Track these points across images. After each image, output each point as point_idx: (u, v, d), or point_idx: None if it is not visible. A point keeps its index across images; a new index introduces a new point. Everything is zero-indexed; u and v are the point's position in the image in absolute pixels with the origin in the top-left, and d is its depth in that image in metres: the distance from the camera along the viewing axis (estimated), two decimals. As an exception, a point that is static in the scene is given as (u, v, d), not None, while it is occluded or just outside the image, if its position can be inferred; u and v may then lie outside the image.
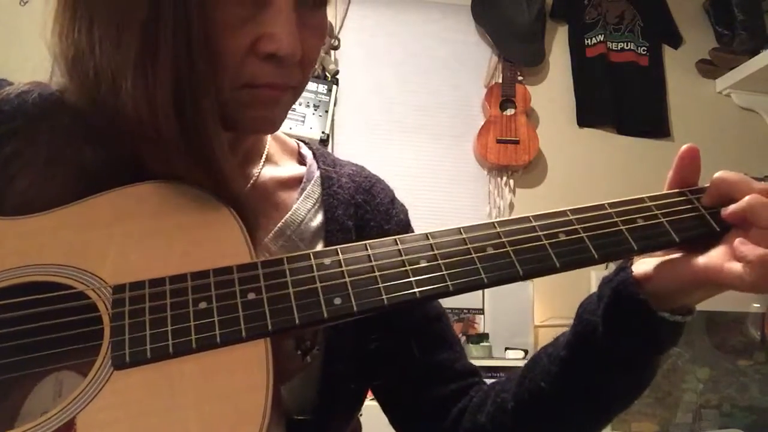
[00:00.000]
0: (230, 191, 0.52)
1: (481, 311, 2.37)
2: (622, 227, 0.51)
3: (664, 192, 0.54)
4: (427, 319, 0.70)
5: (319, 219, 0.66)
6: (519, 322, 2.37)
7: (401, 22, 2.81)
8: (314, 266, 0.48)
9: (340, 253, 0.48)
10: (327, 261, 0.48)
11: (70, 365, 0.46)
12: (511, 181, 2.70)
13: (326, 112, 2.50)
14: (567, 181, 2.72)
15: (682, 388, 2.59)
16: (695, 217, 0.52)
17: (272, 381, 0.42)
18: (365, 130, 2.65)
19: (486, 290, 2.35)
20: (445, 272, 0.48)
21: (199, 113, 0.51)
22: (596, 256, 0.49)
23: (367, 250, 0.49)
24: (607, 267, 2.64)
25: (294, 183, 0.68)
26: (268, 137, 0.69)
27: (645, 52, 2.92)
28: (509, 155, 2.63)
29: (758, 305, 2.70)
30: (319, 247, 0.64)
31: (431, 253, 0.49)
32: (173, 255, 0.48)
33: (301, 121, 2.45)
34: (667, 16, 2.99)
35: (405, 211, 0.74)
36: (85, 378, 0.43)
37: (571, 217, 0.51)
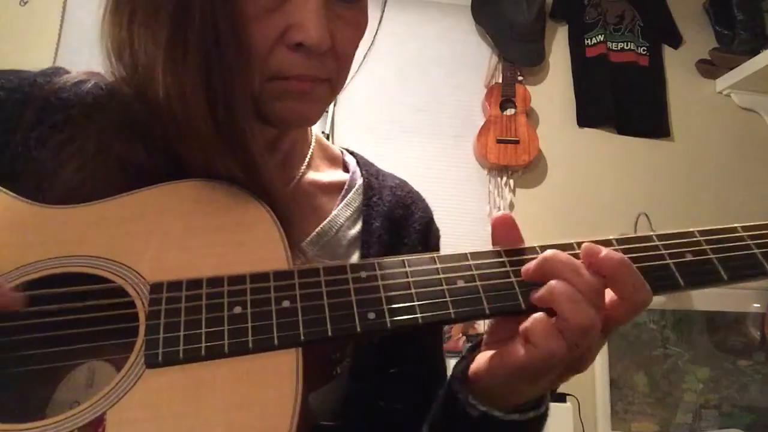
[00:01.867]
0: (267, 188, 0.52)
1: (481, 311, 2.37)
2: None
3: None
4: (434, 348, 0.70)
5: (357, 228, 0.66)
6: (519, 322, 2.37)
7: (401, 22, 2.81)
8: (350, 279, 0.47)
9: (377, 268, 0.48)
10: (363, 275, 0.48)
11: (104, 358, 0.46)
12: (511, 181, 2.70)
13: (326, 112, 2.50)
14: (567, 181, 2.72)
15: (682, 388, 2.59)
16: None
17: (301, 391, 0.42)
18: (365, 130, 2.65)
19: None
20: (482, 294, 0.47)
21: (231, 105, 0.51)
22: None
23: (405, 266, 0.49)
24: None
25: (335, 189, 0.68)
26: (312, 142, 0.69)
27: (645, 52, 2.92)
28: (509, 155, 2.63)
29: (758, 305, 2.70)
30: (355, 256, 0.64)
31: (470, 273, 0.48)
32: (211, 255, 0.48)
33: (301, 121, 2.44)
34: (667, 16, 2.99)
35: (438, 237, 0.73)
36: (117, 369, 0.43)
37: (618, 247, 0.50)
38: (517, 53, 2.77)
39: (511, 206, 2.67)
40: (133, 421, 0.41)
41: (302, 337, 0.44)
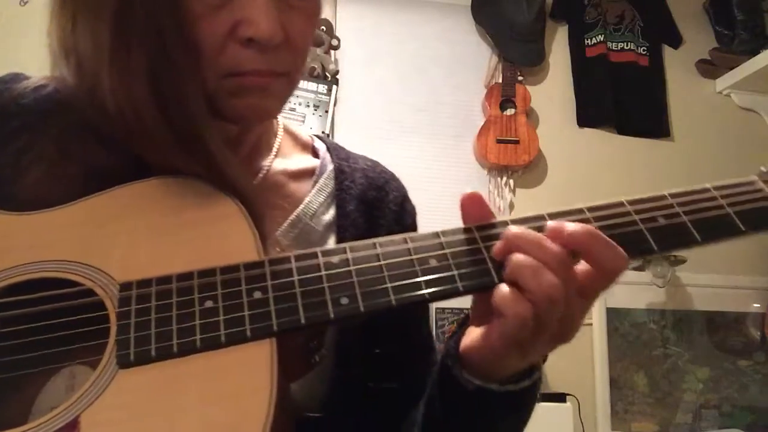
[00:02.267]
0: (232, 183, 0.52)
1: (481, 311, 2.37)
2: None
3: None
4: (417, 326, 0.70)
5: (331, 213, 0.65)
6: (519, 322, 2.37)
7: (401, 22, 2.81)
8: (322, 265, 0.47)
9: (348, 252, 0.48)
10: (335, 259, 0.47)
11: (79, 362, 0.46)
12: (511, 181, 2.70)
13: (326, 112, 2.50)
14: (567, 181, 2.72)
15: (682, 388, 2.59)
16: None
17: (276, 382, 0.42)
18: (365, 130, 2.64)
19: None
20: (455, 272, 0.47)
21: (182, 105, 0.50)
22: None
23: (376, 248, 0.48)
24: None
25: (306, 175, 0.67)
26: (280, 131, 0.69)
27: (645, 52, 2.91)
28: (509, 155, 2.63)
29: (758, 305, 2.70)
30: (331, 241, 0.64)
31: (442, 252, 0.48)
32: (181, 251, 0.48)
33: (301, 121, 2.44)
34: (667, 16, 2.99)
35: (414, 214, 0.73)
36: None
37: (589, 215, 0.50)
38: (517, 53, 2.77)
39: (511, 206, 2.67)
40: (107, 422, 0.41)
41: (275, 328, 0.44)
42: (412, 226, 0.72)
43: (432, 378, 0.55)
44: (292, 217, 0.63)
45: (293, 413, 0.52)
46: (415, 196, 0.76)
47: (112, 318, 0.45)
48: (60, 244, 0.49)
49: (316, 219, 0.64)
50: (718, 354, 2.65)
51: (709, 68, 2.93)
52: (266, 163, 0.65)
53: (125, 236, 0.49)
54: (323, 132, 2.45)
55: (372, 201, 0.68)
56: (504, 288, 0.45)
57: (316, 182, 0.67)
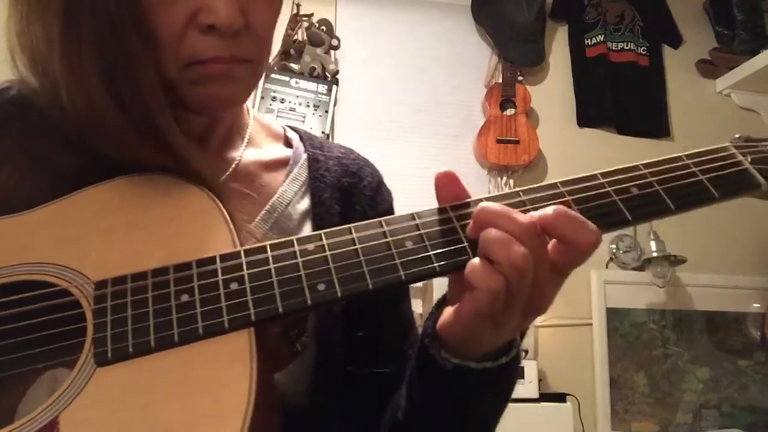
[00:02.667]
0: (200, 176, 0.52)
1: (481, 311, 2.37)
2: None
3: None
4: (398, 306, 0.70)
5: (306, 202, 0.65)
6: (519, 322, 2.37)
7: (401, 22, 2.81)
8: (297, 252, 0.47)
9: (324, 238, 0.47)
10: (311, 247, 0.47)
11: (65, 362, 0.45)
12: (511, 181, 2.70)
13: (326, 112, 2.50)
14: (567, 181, 2.72)
15: (682, 388, 2.59)
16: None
17: (256, 371, 0.42)
18: (365, 130, 2.64)
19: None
20: (431, 253, 0.47)
21: (137, 96, 0.50)
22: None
23: (351, 233, 0.48)
24: (607, 266, 2.64)
25: (280, 165, 0.67)
26: (251, 121, 0.68)
27: (645, 52, 2.91)
28: (509, 155, 2.63)
29: (758, 305, 2.70)
30: (307, 229, 0.63)
31: (417, 233, 0.48)
32: (157, 247, 0.48)
33: (301, 121, 2.45)
34: (667, 16, 2.99)
35: (390, 199, 0.73)
36: None
37: (562, 189, 0.51)
38: (517, 53, 2.77)
39: (511, 206, 2.67)
40: (86, 420, 0.41)
41: (253, 318, 0.44)
42: (389, 211, 0.71)
43: (412, 359, 0.55)
44: (267, 206, 0.62)
45: (278, 403, 0.52)
46: (414, 196, 0.76)
47: (89, 317, 0.45)
48: (34, 246, 0.48)
49: (291, 208, 0.64)
50: (718, 354, 2.65)
51: (709, 68, 2.93)
52: (238, 153, 0.64)
53: (100, 235, 0.49)
54: (323, 132, 2.45)
55: (347, 188, 0.68)
56: (475, 262, 0.45)
57: (290, 172, 0.66)
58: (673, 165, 0.52)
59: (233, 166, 0.63)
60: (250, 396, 0.41)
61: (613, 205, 0.49)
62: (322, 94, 2.50)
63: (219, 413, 0.41)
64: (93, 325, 0.44)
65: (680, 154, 0.53)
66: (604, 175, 0.52)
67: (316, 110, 2.48)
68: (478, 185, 2.69)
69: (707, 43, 2.97)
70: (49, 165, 0.54)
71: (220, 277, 0.45)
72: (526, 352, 2.26)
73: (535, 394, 2.11)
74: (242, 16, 0.51)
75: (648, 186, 0.51)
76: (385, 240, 0.47)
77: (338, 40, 2.63)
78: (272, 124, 0.73)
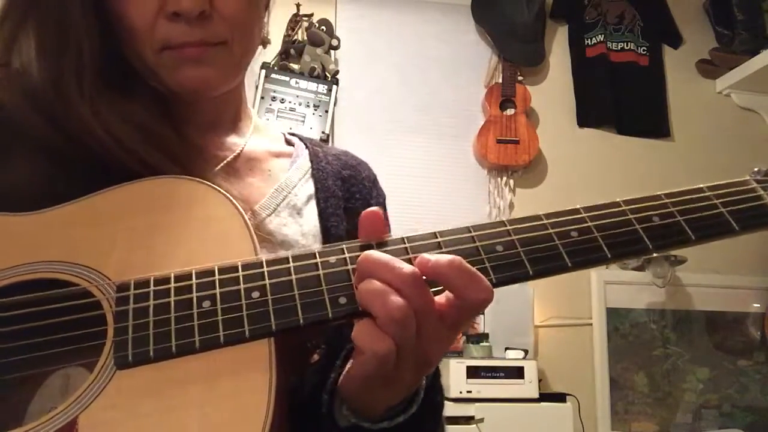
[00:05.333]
0: (147, 169, 0.53)
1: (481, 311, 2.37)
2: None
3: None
4: None
5: (310, 187, 0.67)
6: (519, 322, 2.37)
7: (401, 22, 2.81)
8: (319, 265, 0.47)
9: (345, 252, 0.48)
10: (332, 259, 0.47)
11: (75, 364, 0.45)
12: (511, 181, 2.70)
13: (326, 112, 2.50)
14: (567, 181, 2.72)
15: (682, 388, 2.59)
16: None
17: (275, 381, 0.42)
18: (365, 130, 2.64)
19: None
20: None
21: (62, 84, 0.53)
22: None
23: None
24: (607, 266, 2.64)
25: (284, 156, 0.70)
26: (253, 117, 0.71)
27: (645, 52, 2.92)
28: (509, 155, 2.63)
29: (758, 305, 2.70)
30: (312, 209, 0.65)
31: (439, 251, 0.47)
32: (178, 251, 0.48)
33: (301, 121, 2.45)
34: (667, 16, 2.99)
35: (384, 197, 0.75)
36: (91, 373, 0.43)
37: (584, 215, 0.51)
38: (517, 53, 2.77)
39: (511, 206, 2.67)
40: (106, 422, 0.41)
41: (274, 328, 0.44)
42: (383, 207, 0.73)
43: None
44: (276, 186, 0.64)
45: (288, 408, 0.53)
46: (414, 196, 0.77)
47: (109, 319, 0.45)
48: (55, 244, 0.48)
49: (297, 189, 0.66)
50: (718, 354, 2.65)
51: (709, 68, 2.93)
52: (244, 139, 0.67)
53: (122, 237, 0.49)
54: (323, 132, 2.45)
55: (347, 178, 0.71)
56: (361, 324, 0.43)
57: (293, 162, 0.69)
58: (694, 196, 0.52)
59: (240, 148, 0.65)
60: (269, 406, 0.41)
61: (634, 233, 0.49)
62: (322, 94, 2.50)
63: (238, 422, 0.41)
64: (114, 328, 0.44)
65: (701, 186, 0.52)
66: (627, 202, 0.51)
67: (316, 110, 2.48)
68: (478, 185, 2.69)
69: (707, 43, 2.97)
70: (54, 154, 0.54)
71: (242, 285, 0.46)
72: (526, 351, 2.26)
73: (535, 394, 2.11)
74: (206, 2, 0.54)
75: (670, 216, 0.50)
76: (407, 256, 0.47)
77: (338, 40, 2.63)
78: (272, 126, 0.76)
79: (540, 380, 2.20)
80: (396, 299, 0.42)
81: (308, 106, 2.48)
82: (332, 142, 2.52)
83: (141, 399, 0.42)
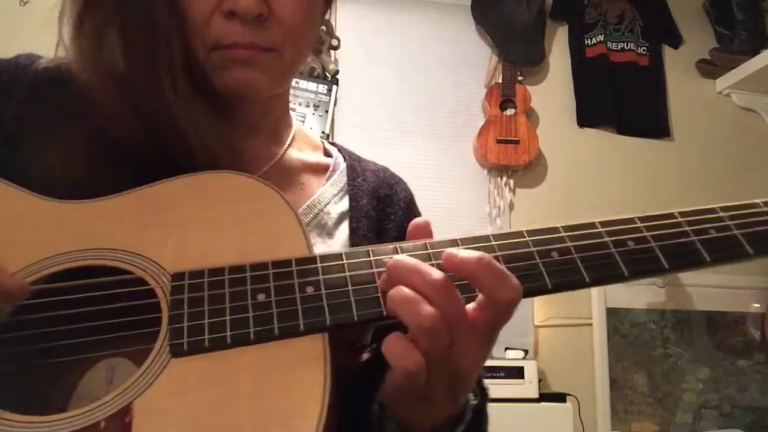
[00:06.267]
0: (211, 164, 0.53)
1: (481, 311, 2.37)
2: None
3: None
4: None
5: (344, 204, 0.66)
6: (519, 322, 2.37)
7: (401, 22, 2.81)
8: (373, 263, 0.47)
9: (399, 251, 0.48)
10: (385, 258, 0.47)
11: (122, 352, 0.46)
12: (511, 181, 2.70)
13: (326, 112, 2.50)
14: (567, 181, 2.72)
15: (682, 388, 2.59)
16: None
17: (330, 376, 0.42)
18: (365, 130, 2.65)
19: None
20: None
21: (152, 76, 0.52)
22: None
23: (427, 249, 0.48)
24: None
25: (320, 170, 0.69)
26: (294, 125, 0.70)
27: (645, 52, 2.92)
28: (509, 155, 2.63)
29: (758, 305, 2.70)
30: (344, 229, 0.65)
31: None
32: (232, 244, 0.49)
33: (301, 121, 2.45)
34: (667, 16, 2.99)
35: (420, 215, 0.73)
36: (137, 366, 0.43)
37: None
38: (517, 53, 2.77)
39: (511, 206, 2.67)
40: (160, 409, 0.41)
41: (328, 323, 0.44)
42: None
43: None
44: (308, 202, 0.63)
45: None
46: (415, 196, 0.77)
47: (164, 307, 0.45)
48: (110, 232, 0.49)
49: (330, 207, 0.65)
50: (718, 354, 2.65)
51: (709, 68, 2.93)
52: (282, 148, 0.66)
53: (176, 228, 0.49)
54: (323, 132, 2.45)
55: (383, 198, 0.70)
56: (390, 338, 0.42)
57: (329, 177, 0.68)
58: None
59: (277, 158, 0.65)
60: (324, 400, 0.41)
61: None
62: (322, 94, 2.50)
63: (292, 415, 0.41)
64: (168, 316, 0.45)
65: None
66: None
67: (316, 110, 2.48)
68: (478, 185, 2.69)
69: (707, 43, 2.97)
70: (92, 143, 0.54)
71: (296, 280, 0.46)
72: (526, 351, 2.26)
73: (535, 394, 2.11)
74: (264, 4, 0.53)
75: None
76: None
77: (338, 40, 2.63)
78: (311, 134, 0.75)
79: (540, 380, 2.20)
80: (426, 308, 0.41)
81: (308, 106, 2.48)
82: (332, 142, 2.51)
83: (195, 388, 0.42)
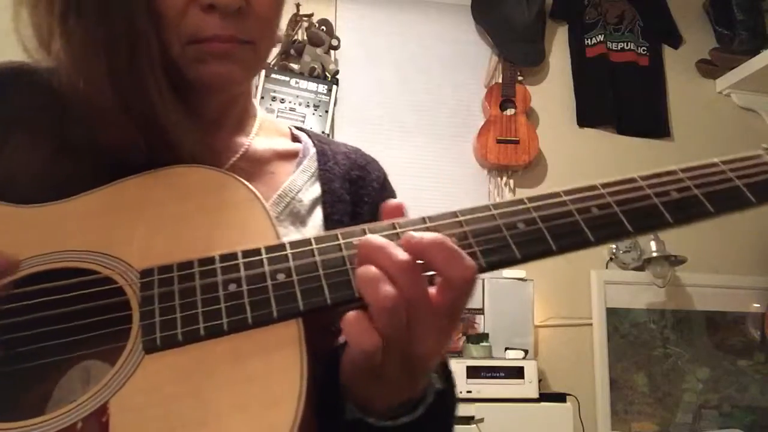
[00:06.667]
0: (194, 160, 0.53)
1: (481, 311, 2.37)
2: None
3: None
4: None
5: (316, 190, 0.66)
6: (519, 322, 2.37)
7: (401, 22, 2.81)
8: (342, 246, 0.47)
9: (368, 232, 0.48)
10: (355, 241, 0.47)
11: (95, 353, 0.46)
12: (511, 181, 2.70)
13: (326, 112, 2.50)
14: (567, 181, 2.68)
15: (682, 388, 2.59)
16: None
17: (306, 360, 0.42)
18: (365, 130, 2.65)
19: (486, 290, 2.35)
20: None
21: (136, 75, 0.51)
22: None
23: (395, 228, 0.48)
24: (607, 266, 2.64)
25: (290, 156, 0.68)
26: (259, 114, 0.69)
27: (645, 52, 2.92)
28: (509, 155, 2.63)
29: (758, 305, 2.70)
30: (317, 215, 0.64)
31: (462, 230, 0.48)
32: (199, 238, 0.48)
33: (301, 121, 2.45)
34: (667, 16, 2.99)
35: (395, 195, 0.73)
36: (112, 365, 0.43)
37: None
38: (517, 53, 2.77)
39: (511, 206, 2.67)
40: (137, 407, 0.41)
41: (301, 308, 0.44)
42: None
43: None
44: (279, 191, 0.63)
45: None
46: (414, 196, 0.77)
47: (134, 304, 0.45)
48: (74, 234, 0.49)
49: (301, 194, 0.64)
50: (718, 354, 2.65)
51: (709, 68, 2.93)
52: (249, 138, 0.66)
53: (143, 225, 0.49)
54: (323, 132, 2.45)
55: (355, 179, 0.69)
56: (349, 318, 0.42)
57: (300, 163, 0.67)
58: (709, 170, 0.53)
59: (244, 148, 0.64)
60: (302, 384, 0.41)
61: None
62: (322, 94, 2.50)
63: (271, 401, 0.41)
64: (139, 313, 0.44)
65: (716, 160, 0.53)
66: (643, 177, 0.52)
67: (316, 110, 2.48)
68: (478, 185, 2.69)
69: (707, 43, 2.97)
70: (56, 141, 0.54)
71: (266, 267, 0.46)
72: (526, 351, 2.26)
73: (535, 394, 2.11)
74: None
75: (686, 189, 0.51)
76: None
77: (338, 40, 2.63)
78: (277, 121, 0.74)
79: (540, 380, 2.20)
80: (387, 288, 0.41)
81: (308, 106, 2.48)
82: (332, 142, 2.51)
83: (171, 382, 0.42)
